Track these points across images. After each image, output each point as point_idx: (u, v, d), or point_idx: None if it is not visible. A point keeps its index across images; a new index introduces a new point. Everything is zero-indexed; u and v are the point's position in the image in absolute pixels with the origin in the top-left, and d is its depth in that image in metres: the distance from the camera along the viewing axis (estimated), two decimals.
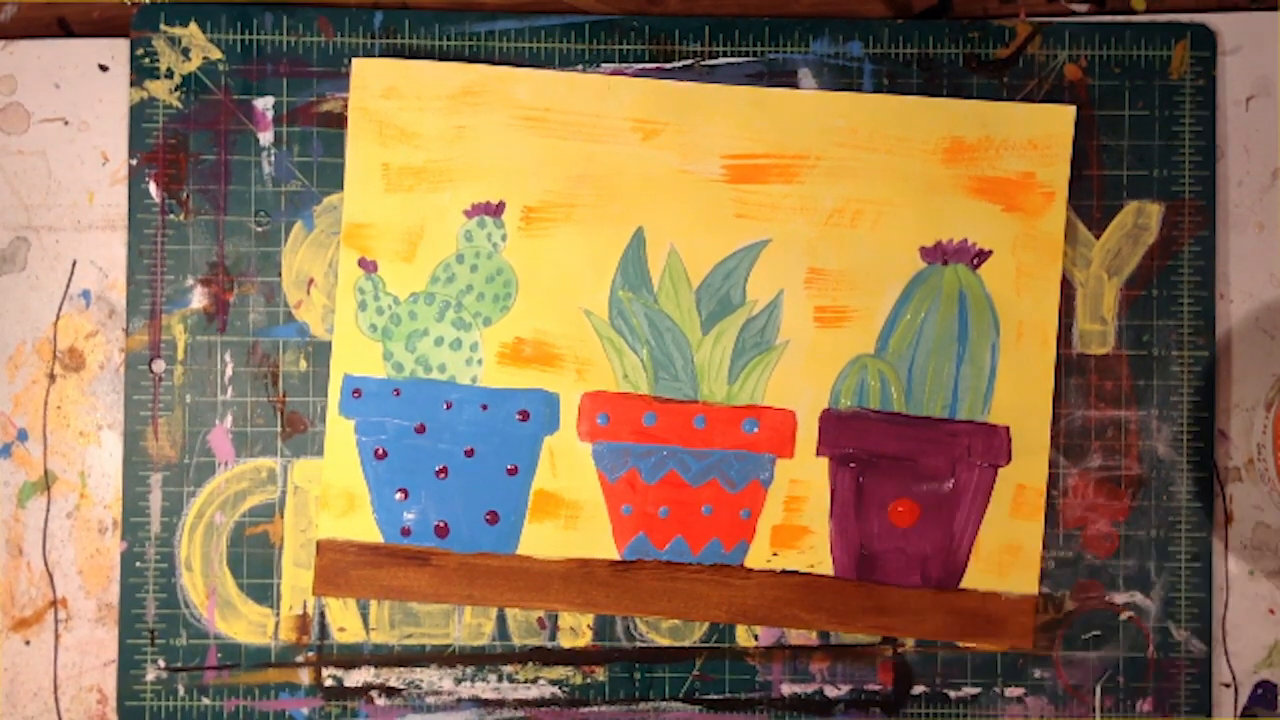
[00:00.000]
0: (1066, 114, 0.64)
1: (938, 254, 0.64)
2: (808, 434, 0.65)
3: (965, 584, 0.65)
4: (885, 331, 0.64)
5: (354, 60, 0.64)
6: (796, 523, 0.65)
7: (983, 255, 0.64)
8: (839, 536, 0.65)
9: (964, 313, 0.64)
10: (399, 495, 0.65)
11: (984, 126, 0.64)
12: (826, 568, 0.65)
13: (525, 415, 0.64)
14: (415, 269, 0.65)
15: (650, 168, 0.64)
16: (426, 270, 0.65)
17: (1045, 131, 0.64)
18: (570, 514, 0.65)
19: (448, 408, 0.65)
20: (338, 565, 0.64)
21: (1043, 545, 0.65)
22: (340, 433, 0.65)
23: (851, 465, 0.65)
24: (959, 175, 0.64)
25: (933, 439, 0.64)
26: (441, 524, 0.65)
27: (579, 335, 0.64)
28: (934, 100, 0.64)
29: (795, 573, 0.65)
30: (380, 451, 0.65)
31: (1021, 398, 0.65)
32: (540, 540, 0.65)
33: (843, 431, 0.65)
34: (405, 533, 0.65)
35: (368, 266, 0.64)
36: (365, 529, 0.65)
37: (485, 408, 0.64)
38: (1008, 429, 0.65)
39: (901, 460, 0.65)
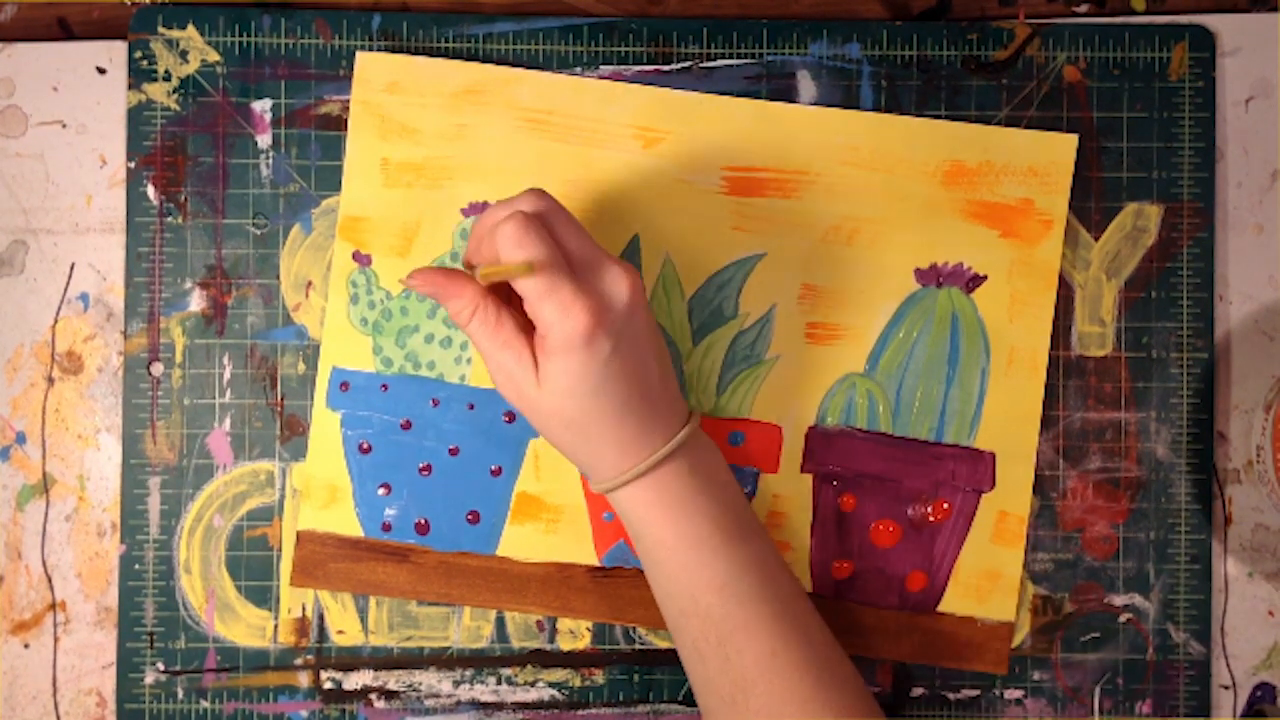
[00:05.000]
0: (1068, 143, 0.64)
1: (932, 276, 0.64)
2: (793, 450, 0.65)
3: (943, 608, 0.65)
4: (876, 351, 0.64)
5: (358, 54, 0.64)
6: (777, 538, 0.65)
7: (977, 280, 0.64)
8: (819, 554, 0.65)
9: (955, 336, 0.64)
10: (381, 490, 0.65)
11: (985, 151, 0.64)
12: (805, 584, 0.65)
13: (511, 417, 0.64)
14: (409, 265, 0.64)
15: (649, 176, 0.64)
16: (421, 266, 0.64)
17: (1046, 159, 0.64)
18: (551, 518, 0.65)
19: (434, 405, 0.64)
20: (316, 557, 0.64)
21: (1040, 550, 0.65)
22: (326, 425, 0.65)
23: (835, 483, 0.65)
24: (958, 198, 0.64)
25: (918, 461, 0.64)
26: (422, 521, 0.65)
27: None
28: (936, 122, 0.64)
29: None
30: (365, 445, 0.65)
31: (1008, 424, 0.65)
32: (520, 542, 0.65)
33: (828, 449, 0.65)
34: (386, 528, 0.65)
35: (362, 260, 0.64)
36: (346, 522, 0.65)
37: (472, 407, 0.64)
38: (993, 455, 0.64)
39: (885, 481, 0.65)
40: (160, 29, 0.65)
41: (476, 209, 0.64)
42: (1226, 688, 0.66)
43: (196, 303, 0.65)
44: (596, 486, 0.57)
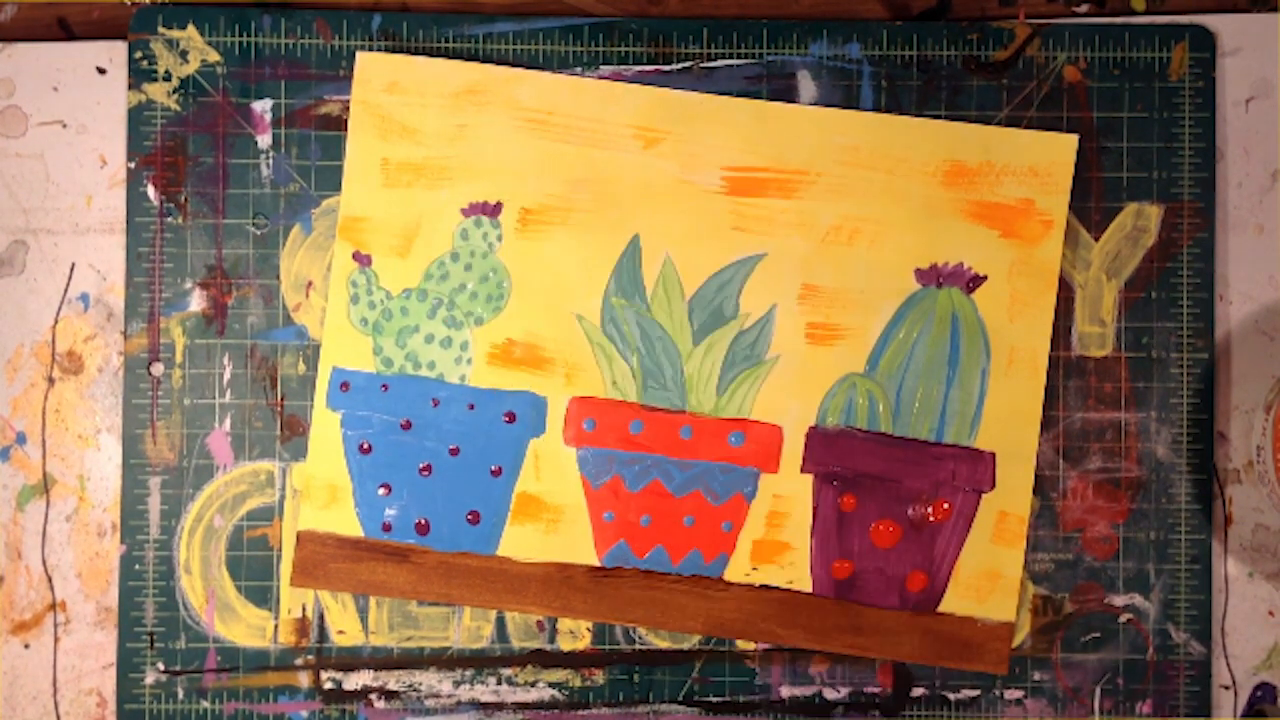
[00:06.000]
0: (1069, 143, 0.64)
1: (932, 276, 0.64)
2: (793, 450, 0.65)
3: (943, 608, 0.65)
4: (876, 351, 0.64)
5: (358, 54, 0.64)
6: (777, 538, 0.65)
7: (977, 280, 0.64)
8: (819, 554, 0.65)
9: (956, 336, 0.64)
10: (381, 490, 0.65)
11: (985, 151, 0.64)
12: (805, 584, 0.65)
13: (512, 417, 0.64)
14: (409, 265, 0.64)
15: (650, 176, 0.64)
16: (420, 267, 0.65)
17: (1047, 159, 0.64)
18: (552, 518, 0.65)
19: (435, 405, 0.64)
20: (316, 557, 0.64)
21: (1040, 550, 0.65)
22: (326, 425, 0.65)
23: (835, 483, 0.65)
24: (958, 198, 0.64)
25: (918, 461, 0.64)
26: (423, 521, 0.65)
27: (570, 339, 0.64)
28: (936, 122, 0.64)
29: (774, 588, 0.65)
30: (365, 446, 0.64)
31: (1009, 424, 0.64)
32: (521, 543, 0.65)
33: (828, 449, 0.65)
34: (386, 528, 0.65)
35: (362, 260, 0.64)
36: (346, 522, 0.65)
37: (472, 407, 0.64)
38: (993, 455, 0.64)
39: (886, 481, 0.65)
40: (160, 29, 0.65)
41: (476, 209, 0.64)
42: (1227, 688, 0.66)
43: (196, 303, 0.65)
44: None
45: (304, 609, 0.65)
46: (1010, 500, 0.65)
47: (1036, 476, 0.65)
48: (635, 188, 0.64)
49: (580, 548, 0.65)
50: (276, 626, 0.65)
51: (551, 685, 0.65)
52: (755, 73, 0.65)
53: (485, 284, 0.64)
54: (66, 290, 0.65)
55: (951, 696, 0.65)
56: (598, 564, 0.65)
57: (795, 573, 0.65)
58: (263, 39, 0.65)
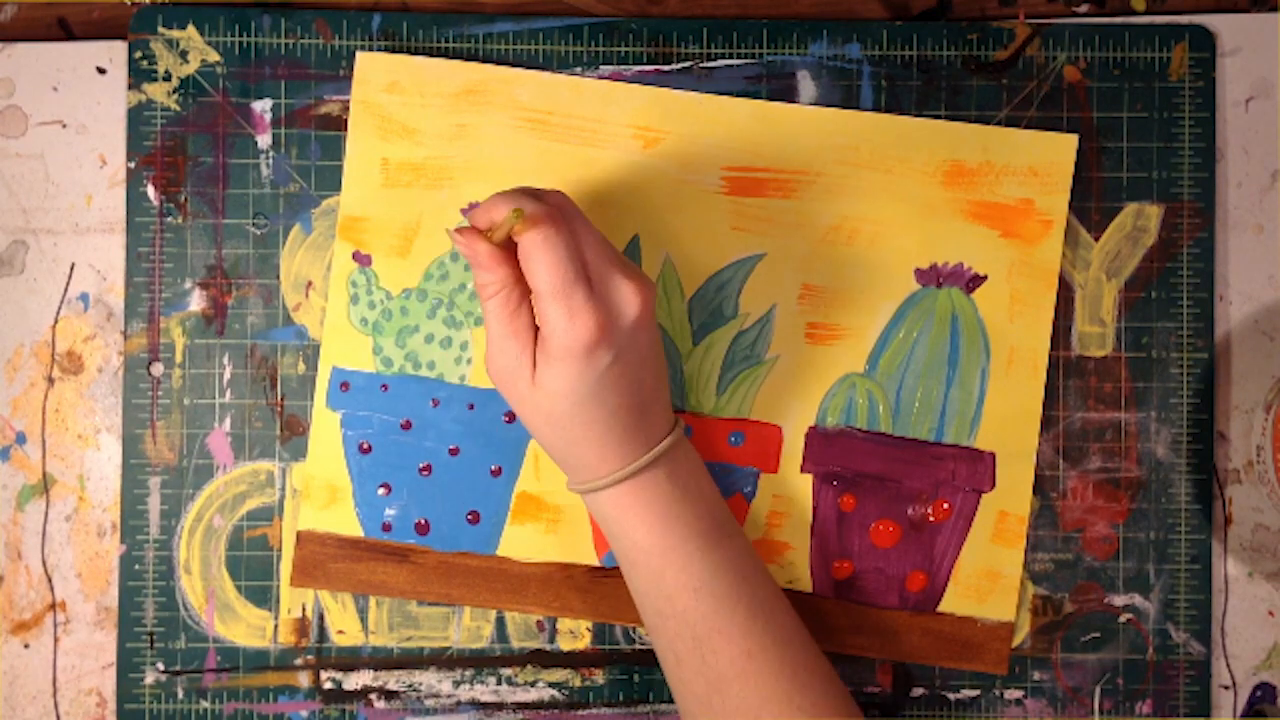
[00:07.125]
0: (1068, 143, 0.64)
1: (932, 276, 0.64)
2: (793, 450, 0.65)
3: (943, 608, 0.65)
4: (876, 351, 0.64)
5: (358, 54, 0.64)
6: (777, 538, 0.65)
7: (977, 280, 0.64)
8: (819, 554, 0.65)
9: (956, 336, 0.64)
10: (381, 490, 0.65)
11: (985, 151, 0.64)
12: (805, 585, 0.65)
13: (512, 417, 0.64)
14: (409, 265, 0.64)
15: (649, 176, 0.64)
16: (420, 267, 0.64)
17: (1046, 159, 0.64)
18: (551, 518, 0.65)
19: (435, 405, 0.64)
20: (316, 557, 0.64)
21: (1040, 550, 0.65)
22: (326, 425, 0.65)
23: (835, 483, 0.65)
24: (958, 198, 0.64)
25: (918, 461, 0.64)
26: (423, 521, 0.65)
27: None
28: (936, 122, 0.64)
29: None
30: (365, 446, 0.64)
31: (1008, 424, 0.65)
32: (520, 543, 0.65)
33: (828, 449, 0.65)
34: (386, 528, 0.65)
35: (362, 260, 0.64)
36: (346, 522, 0.65)
37: (472, 407, 0.64)
38: (993, 455, 0.64)
39: (885, 481, 0.65)
40: (160, 29, 0.65)
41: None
42: (1226, 688, 0.66)
43: (196, 303, 0.65)
44: (573, 487, 0.58)
45: (304, 609, 0.65)
46: (1010, 500, 0.65)
47: (1036, 476, 0.65)
48: (635, 188, 0.64)
49: (580, 548, 0.65)
50: (276, 626, 0.65)
51: (551, 685, 0.65)
52: (755, 73, 0.65)
53: None
54: (66, 290, 0.65)
55: (951, 696, 0.65)
56: (598, 564, 0.65)
57: (795, 573, 0.65)
58: (263, 39, 0.65)
